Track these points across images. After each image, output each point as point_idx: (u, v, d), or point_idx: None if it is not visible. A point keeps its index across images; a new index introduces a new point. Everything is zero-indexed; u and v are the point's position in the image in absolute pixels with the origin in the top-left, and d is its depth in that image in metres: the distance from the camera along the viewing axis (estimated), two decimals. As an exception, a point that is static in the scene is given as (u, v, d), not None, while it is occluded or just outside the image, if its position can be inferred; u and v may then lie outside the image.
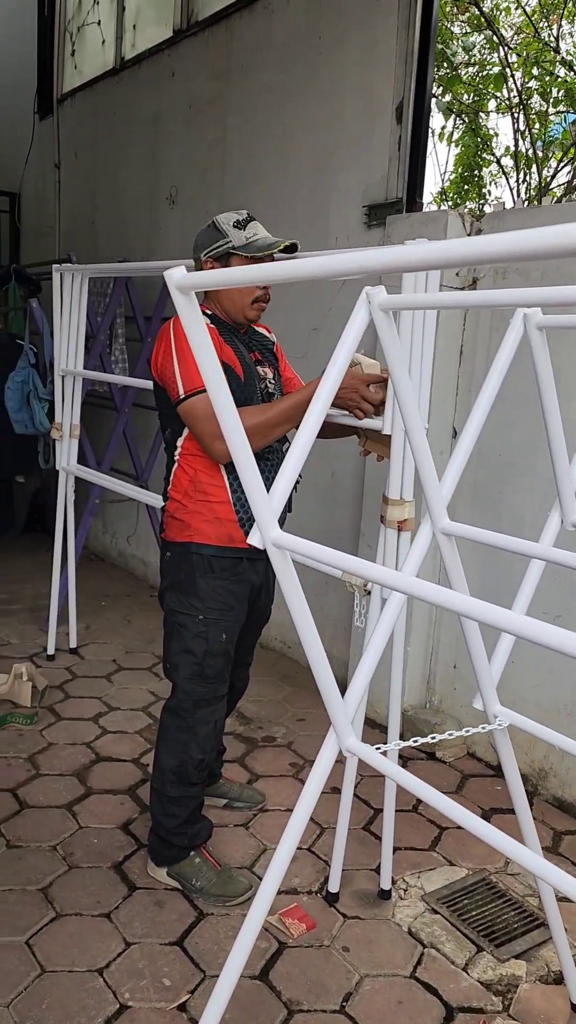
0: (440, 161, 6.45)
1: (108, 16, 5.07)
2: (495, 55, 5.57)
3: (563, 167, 5.56)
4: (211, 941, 2.00)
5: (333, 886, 2.17)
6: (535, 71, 5.24)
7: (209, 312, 2.05)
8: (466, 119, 5.91)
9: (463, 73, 5.79)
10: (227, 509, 2.00)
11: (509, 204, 5.46)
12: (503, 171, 5.92)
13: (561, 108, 5.37)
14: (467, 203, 6.18)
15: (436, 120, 5.67)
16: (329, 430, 1.94)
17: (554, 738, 1.53)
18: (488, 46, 5.64)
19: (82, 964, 1.89)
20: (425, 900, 2.19)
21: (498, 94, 5.53)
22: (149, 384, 3.23)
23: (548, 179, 5.53)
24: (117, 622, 4.14)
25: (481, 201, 6.21)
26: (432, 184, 6.34)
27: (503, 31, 5.58)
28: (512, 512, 2.75)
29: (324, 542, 1.18)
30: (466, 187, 6.12)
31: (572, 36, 5.53)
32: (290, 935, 2.02)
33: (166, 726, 2.14)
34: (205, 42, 4.08)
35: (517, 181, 5.64)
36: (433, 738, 1.51)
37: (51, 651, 3.63)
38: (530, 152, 5.45)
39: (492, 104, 5.83)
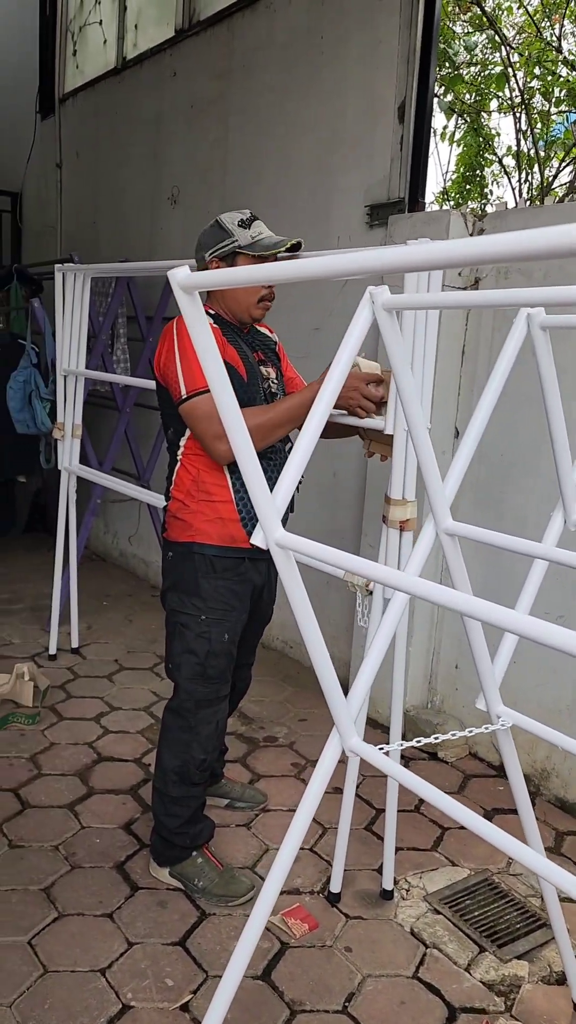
0: (442, 161, 6.45)
1: (110, 16, 5.07)
2: (497, 55, 5.57)
3: (565, 167, 5.56)
4: (213, 941, 2.00)
5: (335, 886, 2.17)
6: (537, 71, 5.24)
7: (212, 312, 2.04)
8: (468, 119, 5.91)
9: (465, 73, 5.79)
10: (230, 508, 2.00)
11: (511, 204, 5.45)
12: (505, 171, 5.92)
13: (563, 108, 5.36)
14: (469, 203, 6.18)
15: (438, 120, 5.67)
16: (331, 430, 1.94)
17: (557, 738, 1.53)
18: (490, 45, 5.63)
19: (84, 964, 1.89)
20: (427, 900, 2.19)
21: (500, 94, 5.52)
22: (151, 384, 3.24)
23: (550, 179, 5.53)
24: (119, 622, 4.14)
25: (483, 201, 6.20)
26: (434, 184, 6.35)
27: (505, 30, 5.57)
28: (514, 512, 2.75)
29: (326, 542, 1.18)
30: (468, 187, 6.12)
31: (574, 35, 5.53)
32: (292, 935, 2.02)
33: (168, 726, 2.14)
34: (207, 42, 4.08)
35: (519, 181, 5.64)
36: (436, 738, 1.51)
37: (53, 651, 3.64)
38: (532, 152, 5.45)
39: (494, 104, 5.82)
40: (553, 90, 5.27)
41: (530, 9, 5.38)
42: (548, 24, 5.47)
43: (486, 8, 5.44)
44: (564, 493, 1.55)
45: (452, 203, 6.26)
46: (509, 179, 5.87)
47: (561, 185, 5.58)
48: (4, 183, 6.35)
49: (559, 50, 5.37)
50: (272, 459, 2.04)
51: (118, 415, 4.24)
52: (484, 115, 5.93)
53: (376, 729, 3.09)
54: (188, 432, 2.01)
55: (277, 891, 1.39)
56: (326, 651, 1.30)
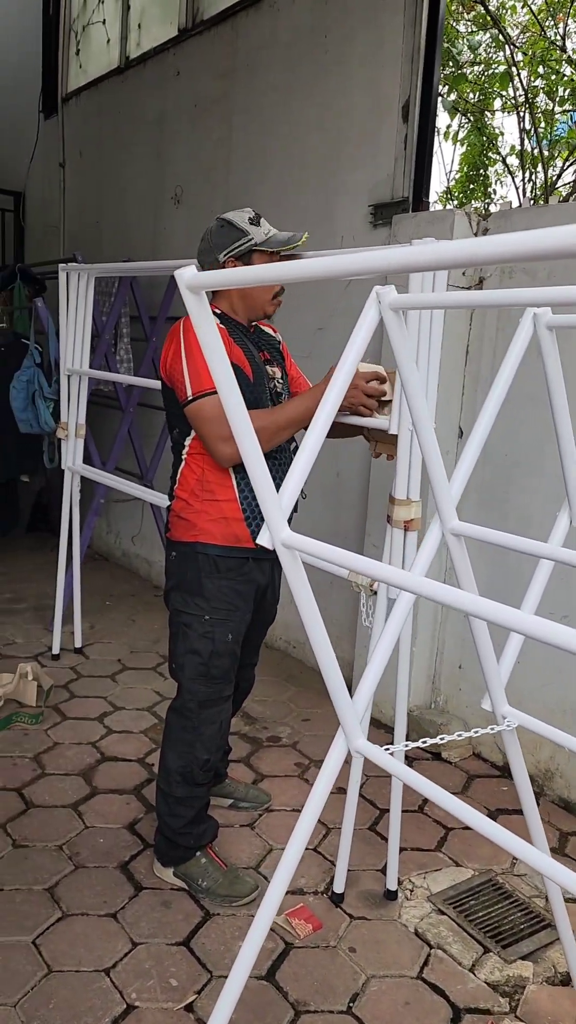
0: (445, 160, 6.45)
1: (113, 15, 5.07)
2: (501, 53, 5.56)
3: (569, 166, 5.55)
4: (218, 941, 2.00)
5: (339, 886, 2.17)
6: (541, 70, 5.23)
7: (219, 311, 2.04)
8: (471, 118, 5.90)
9: (469, 72, 5.78)
10: (234, 508, 1.99)
11: (515, 203, 5.45)
12: (508, 170, 5.91)
13: (567, 107, 5.35)
14: (472, 202, 6.17)
15: (442, 119, 5.66)
16: (336, 430, 1.94)
17: (563, 739, 1.53)
18: (494, 45, 5.63)
19: (89, 964, 1.89)
20: (431, 901, 2.18)
21: (504, 93, 5.52)
22: (154, 384, 3.25)
23: (554, 178, 5.52)
24: (122, 622, 4.14)
25: (487, 200, 6.20)
26: (437, 183, 6.34)
27: (509, 30, 5.56)
28: (518, 512, 2.75)
29: (330, 542, 1.18)
30: (471, 186, 6.11)
31: (578, 35, 5.52)
32: (296, 935, 2.02)
33: (171, 726, 2.14)
34: (210, 41, 4.08)
35: (523, 180, 5.63)
36: (442, 739, 1.50)
37: (56, 650, 3.64)
38: (536, 151, 5.44)
39: (498, 103, 5.82)
40: (557, 89, 5.27)
41: (534, 8, 5.37)
42: (552, 23, 5.47)
43: (490, 7, 5.43)
44: (570, 493, 1.55)
45: (456, 202, 6.25)
46: (513, 178, 5.87)
47: (565, 184, 5.57)
48: (7, 183, 6.35)
49: (563, 49, 5.37)
50: (277, 459, 2.04)
51: (121, 415, 4.24)
52: (488, 114, 5.93)
53: (379, 729, 3.08)
54: (193, 432, 2.01)
55: (283, 892, 1.38)
56: (332, 651, 1.30)
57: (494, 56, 5.65)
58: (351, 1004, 1.83)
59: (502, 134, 5.95)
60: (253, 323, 2.12)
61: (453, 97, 5.66)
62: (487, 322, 2.84)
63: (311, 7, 3.44)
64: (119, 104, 4.94)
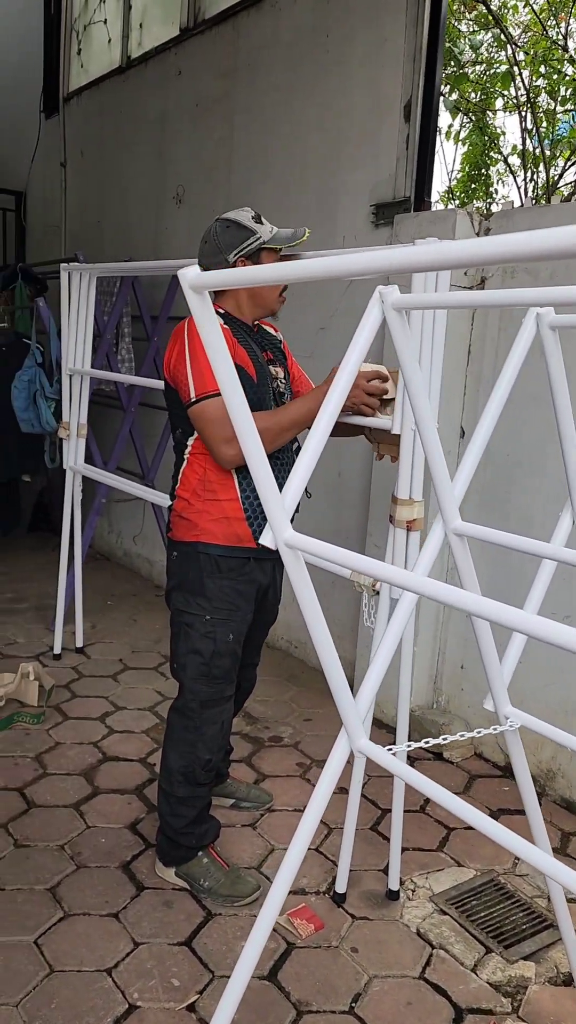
0: (447, 160, 6.44)
1: (114, 15, 5.07)
2: (503, 53, 5.55)
3: (571, 165, 5.54)
4: (220, 941, 2.00)
5: (341, 886, 2.16)
6: (543, 69, 5.23)
7: (222, 311, 2.04)
8: (473, 117, 5.90)
9: (470, 71, 5.78)
10: (236, 507, 1.99)
11: (517, 203, 5.44)
12: (510, 170, 5.91)
13: (569, 106, 5.35)
14: (474, 202, 6.17)
15: (443, 118, 5.65)
16: (338, 429, 1.94)
17: (565, 739, 1.53)
18: (496, 44, 5.62)
19: (91, 964, 1.89)
20: (433, 901, 2.18)
21: (505, 92, 5.51)
22: (155, 383, 3.25)
23: (555, 178, 5.52)
24: (123, 621, 4.14)
25: (488, 200, 6.19)
26: (439, 183, 6.33)
27: (511, 29, 5.56)
28: (520, 512, 2.75)
29: (331, 542, 1.18)
30: (473, 186, 6.11)
31: (580, 34, 5.51)
32: (298, 935, 2.02)
33: (173, 726, 2.13)
34: (212, 40, 4.07)
35: (524, 180, 5.63)
36: (445, 739, 1.50)
37: (57, 650, 3.64)
38: (537, 151, 5.44)
39: (499, 102, 5.81)
40: (559, 89, 5.26)
41: (536, 7, 5.36)
42: (554, 22, 5.46)
43: (492, 6, 5.43)
44: (572, 493, 1.54)
45: (457, 202, 6.25)
46: (514, 178, 5.86)
47: (567, 184, 5.57)
48: (8, 182, 6.35)
49: (565, 48, 5.36)
50: (279, 459, 2.03)
51: (123, 414, 4.24)
52: (489, 114, 5.92)
53: (380, 729, 3.08)
54: (197, 433, 2.00)
55: (285, 892, 1.38)
56: (335, 652, 1.30)
57: (496, 55, 5.65)
58: (353, 1004, 1.83)
59: (504, 134, 5.96)
60: (256, 322, 2.12)
61: (455, 97, 5.66)
62: (489, 322, 2.84)
63: (313, 7, 3.44)
64: (120, 103, 4.94)
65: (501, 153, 5.92)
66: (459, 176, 6.17)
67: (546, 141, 5.40)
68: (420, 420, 1.31)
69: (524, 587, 1.60)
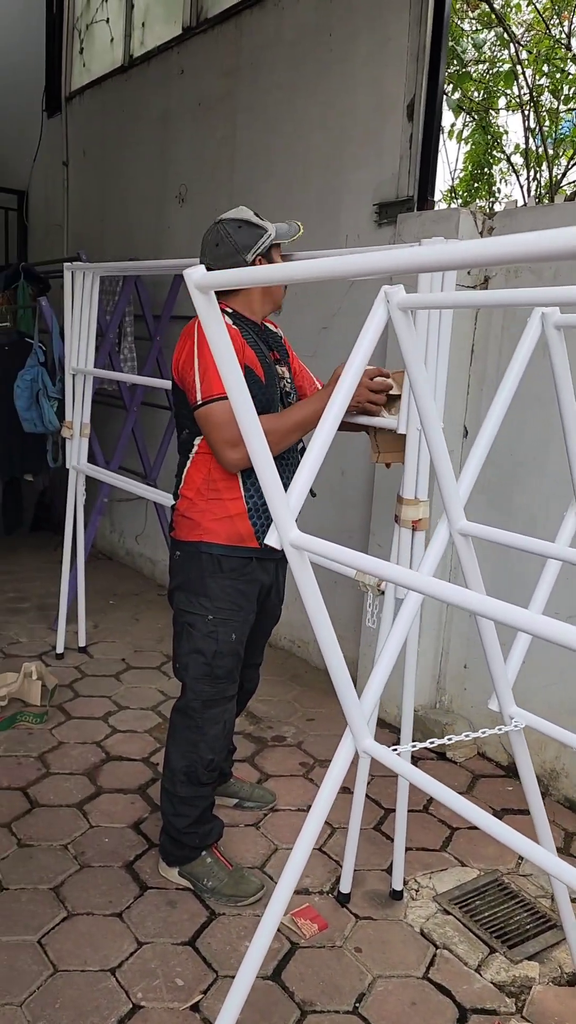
0: (450, 159, 6.44)
1: (117, 14, 5.06)
2: (505, 52, 5.54)
3: (574, 164, 5.53)
4: (223, 941, 2.00)
5: (345, 886, 2.16)
6: (546, 68, 5.22)
7: (230, 310, 2.04)
8: (476, 116, 5.89)
9: (473, 70, 5.77)
10: (239, 507, 1.99)
11: (520, 202, 5.44)
12: (513, 169, 5.90)
13: (572, 105, 5.34)
14: (477, 201, 6.16)
15: (446, 117, 5.64)
16: (343, 425, 1.94)
17: (570, 739, 1.52)
18: (499, 43, 5.61)
19: (94, 963, 1.89)
20: (437, 901, 2.18)
21: (508, 91, 5.51)
22: (158, 383, 3.25)
23: (559, 177, 5.51)
24: (126, 621, 4.14)
25: (491, 199, 6.18)
26: (441, 182, 6.32)
27: (514, 28, 5.55)
28: (523, 511, 2.74)
29: (334, 541, 1.18)
30: (476, 185, 6.10)
31: (582, 33, 5.50)
32: (302, 935, 2.02)
33: (176, 726, 2.13)
34: (214, 39, 4.07)
35: (527, 179, 5.62)
36: (450, 739, 1.50)
37: (60, 650, 3.64)
38: (540, 150, 5.43)
39: (502, 101, 5.80)
40: (562, 88, 5.25)
41: (539, 6, 5.35)
42: (557, 21, 5.45)
43: (495, 5, 5.42)
44: (578, 493, 1.54)
45: (460, 201, 6.24)
46: (517, 177, 5.85)
47: (570, 183, 5.56)
48: (10, 181, 6.34)
49: (568, 47, 5.35)
50: (284, 459, 2.03)
51: (125, 414, 4.24)
52: (492, 113, 5.91)
53: (383, 728, 3.08)
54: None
55: (290, 892, 1.38)
56: (339, 652, 1.30)
57: (499, 54, 5.64)
58: (357, 1004, 1.83)
59: (506, 133, 5.95)
60: (263, 320, 2.13)
61: (457, 95, 5.65)
62: (492, 321, 2.83)
63: (315, 6, 3.44)
64: (123, 103, 4.94)
65: (504, 152, 5.91)
66: (462, 175, 6.16)
67: (549, 140, 5.39)
68: (425, 420, 1.31)
69: (526, 587, 1.60)
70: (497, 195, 6.19)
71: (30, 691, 3.10)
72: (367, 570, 1.14)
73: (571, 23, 5.44)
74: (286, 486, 1.24)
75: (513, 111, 5.74)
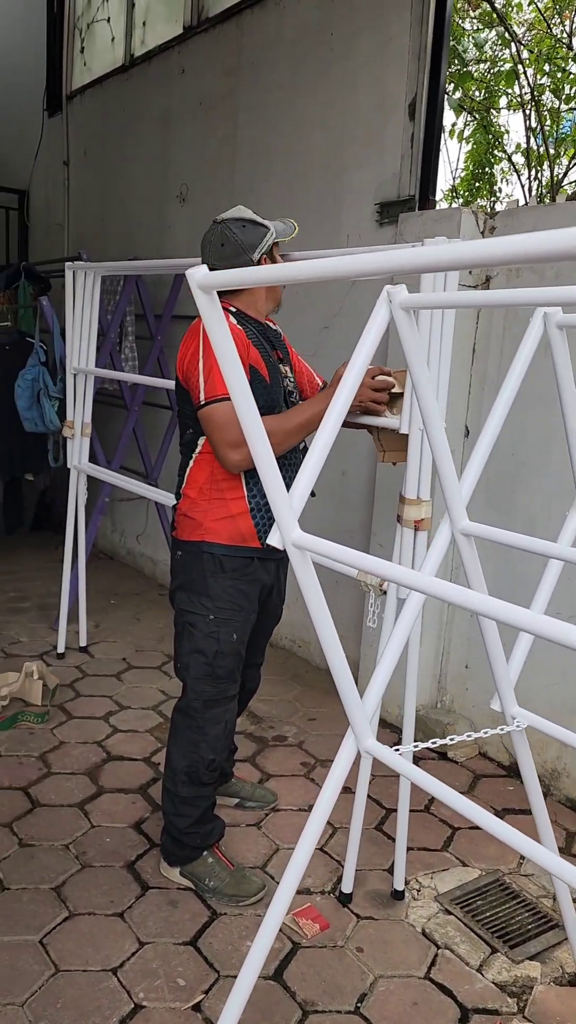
0: (451, 158, 6.43)
1: (118, 13, 5.06)
2: (507, 51, 5.54)
3: (575, 164, 5.53)
4: (225, 941, 1.99)
5: (346, 886, 2.16)
6: (547, 67, 5.21)
7: (234, 309, 2.03)
8: (477, 116, 5.89)
9: (474, 69, 5.77)
10: (241, 506, 1.99)
11: (522, 202, 5.43)
12: (514, 168, 5.89)
13: (573, 105, 5.33)
14: (478, 200, 6.15)
15: (447, 117, 5.65)
16: (345, 423, 1.94)
17: (572, 739, 1.52)
18: (500, 42, 5.61)
19: (96, 963, 1.89)
20: (439, 901, 2.18)
21: (510, 91, 5.50)
22: (159, 382, 3.25)
23: (560, 176, 5.50)
24: (126, 620, 4.14)
25: (492, 199, 6.18)
26: (442, 181, 6.31)
27: (515, 27, 5.54)
28: (524, 511, 2.74)
29: (335, 541, 1.18)
30: (477, 184, 6.10)
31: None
32: (304, 935, 2.02)
33: (177, 726, 2.13)
34: (215, 39, 4.07)
35: (528, 178, 5.61)
36: (452, 739, 1.50)
37: (61, 649, 3.64)
38: (541, 149, 5.42)
39: (504, 101, 5.80)
40: (563, 87, 5.24)
41: (540, 6, 5.35)
42: (559, 20, 5.45)
43: (496, 4, 5.41)
44: (580, 493, 1.54)
45: (461, 200, 6.24)
46: (519, 176, 5.85)
47: (571, 183, 5.55)
48: (11, 181, 6.34)
49: (570, 47, 5.35)
50: (287, 459, 2.03)
51: (126, 413, 4.24)
52: (493, 112, 5.91)
53: (384, 728, 3.08)
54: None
55: (292, 892, 1.38)
56: (342, 652, 1.30)
57: (500, 54, 5.64)
58: (359, 1004, 1.83)
59: (508, 132, 5.94)
60: (266, 319, 2.13)
61: (458, 95, 5.65)
62: (494, 321, 2.83)
63: (317, 5, 3.44)
64: (124, 102, 4.94)
65: (505, 151, 5.91)
66: (463, 175, 6.16)
67: (550, 139, 5.39)
68: (427, 420, 1.31)
69: (528, 587, 1.59)
70: (498, 195, 6.19)
71: (31, 691, 3.10)
72: (370, 570, 1.14)
73: (572, 22, 5.44)
74: (289, 486, 1.24)
75: (514, 110, 5.74)
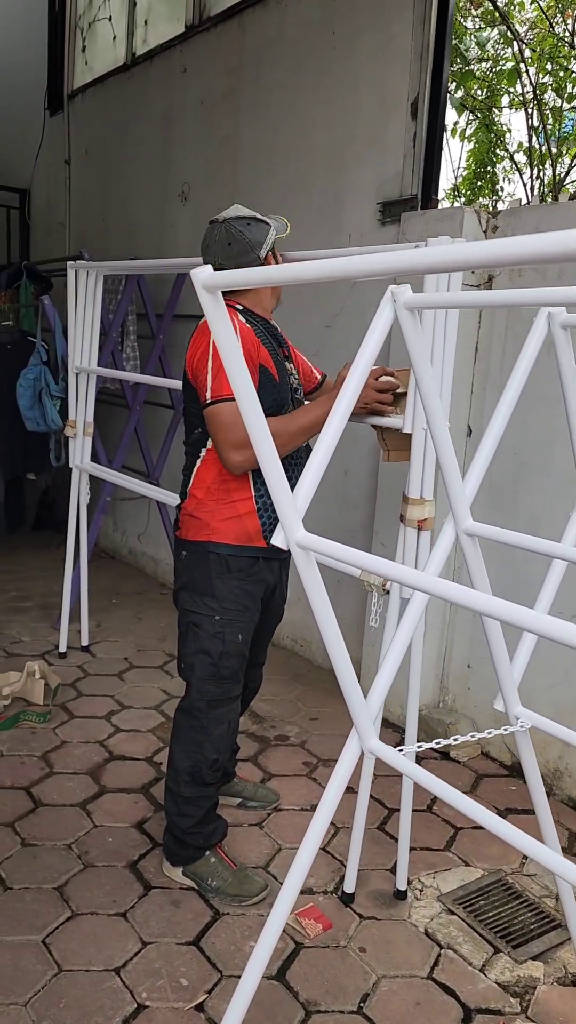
0: (453, 157, 6.43)
1: (119, 12, 5.06)
2: (509, 50, 5.54)
3: (576, 163, 5.53)
4: (227, 941, 1.99)
5: (349, 886, 2.16)
6: (549, 66, 5.21)
7: (240, 307, 2.03)
8: (479, 115, 5.88)
9: (476, 68, 5.77)
10: (249, 506, 1.99)
11: (524, 201, 5.43)
12: (516, 167, 5.89)
13: (575, 103, 5.33)
14: (480, 199, 6.15)
15: (449, 116, 5.64)
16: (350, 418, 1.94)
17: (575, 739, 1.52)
18: (502, 41, 5.61)
19: (99, 963, 1.89)
20: (441, 901, 2.18)
21: (512, 89, 5.50)
22: (161, 381, 3.25)
23: (562, 175, 5.50)
24: (128, 620, 4.14)
25: (494, 198, 6.18)
26: (444, 180, 6.30)
27: (517, 26, 5.54)
28: (527, 511, 2.74)
29: (337, 541, 1.18)
30: (479, 183, 6.09)
31: (586, 31, 5.49)
32: (306, 935, 2.02)
33: (180, 726, 2.13)
34: (217, 37, 4.07)
35: (531, 177, 5.61)
36: (456, 739, 1.50)
37: (63, 649, 3.63)
38: (544, 148, 5.42)
39: (506, 99, 5.80)
40: (565, 86, 5.24)
41: (542, 4, 5.34)
42: (561, 19, 5.44)
43: (498, 3, 5.41)
44: (584, 493, 1.54)
45: (463, 200, 6.23)
46: (521, 175, 5.84)
47: (573, 181, 5.55)
48: (12, 180, 6.33)
49: (572, 45, 5.34)
50: (291, 459, 2.02)
51: (127, 413, 4.24)
52: (495, 111, 5.91)
53: (386, 728, 3.08)
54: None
55: (296, 892, 1.38)
56: (346, 652, 1.29)
57: (502, 52, 5.64)
58: (362, 1004, 1.83)
59: (510, 131, 5.94)
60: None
61: (460, 94, 5.65)
62: (496, 320, 2.83)
63: (319, 3, 3.43)
64: (125, 101, 4.93)
65: (507, 150, 5.91)
66: (465, 173, 6.16)
67: (552, 138, 5.38)
68: (432, 420, 1.31)
69: (531, 587, 1.59)
70: (500, 193, 6.19)
71: (33, 690, 3.10)
72: (374, 571, 1.14)
73: (574, 21, 5.43)
74: (293, 486, 1.24)
75: (516, 109, 5.73)
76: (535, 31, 5.54)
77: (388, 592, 1.98)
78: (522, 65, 5.24)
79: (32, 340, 4.25)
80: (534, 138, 5.39)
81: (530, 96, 5.29)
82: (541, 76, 5.30)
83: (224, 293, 1.03)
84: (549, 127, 5.33)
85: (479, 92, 5.86)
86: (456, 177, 6.24)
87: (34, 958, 1.90)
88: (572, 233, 0.69)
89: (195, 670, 2.06)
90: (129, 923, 2.03)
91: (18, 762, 2.73)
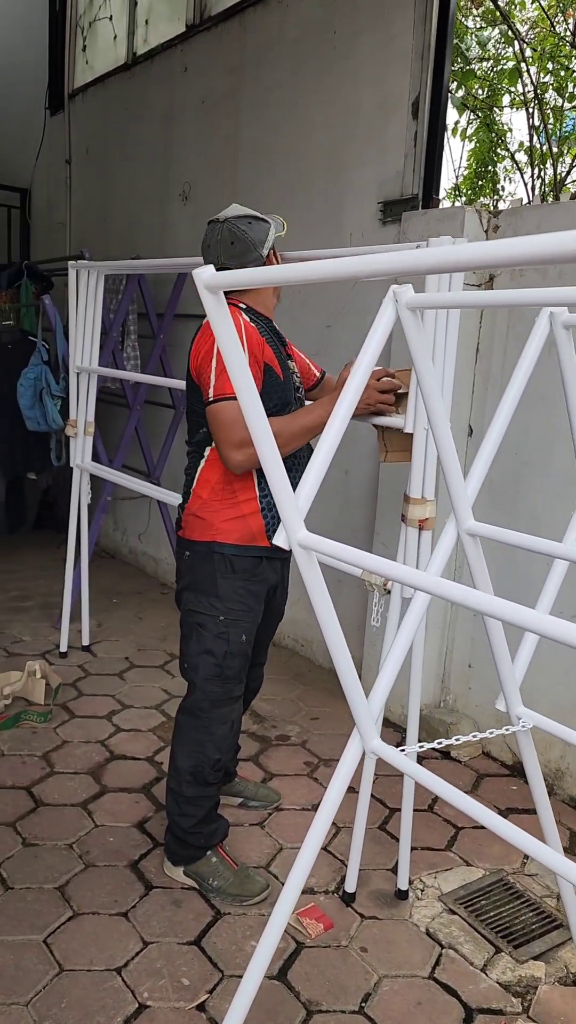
0: (454, 157, 6.43)
1: (120, 11, 5.06)
2: (510, 49, 5.53)
3: (577, 163, 5.53)
4: (229, 941, 1.99)
5: (350, 886, 2.16)
6: (550, 66, 5.21)
7: (244, 306, 2.03)
8: (480, 114, 5.88)
9: (477, 67, 5.76)
10: (253, 506, 1.98)
11: (524, 200, 5.43)
12: (517, 167, 5.89)
13: (576, 103, 5.34)
14: (481, 198, 6.15)
15: (450, 115, 5.64)
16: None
17: (577, 740, 1.52)
18: (503, 40, 5.61)
19: (100, 963, 1.89)
20: (442, 900, 2.18)
21: (512, 89, 5.50)
22: (161, 381, 3.25)
23: (563, 174, 5.50)
24: (129, 619, 4.14)
25: (495, 197, 6.17)
26: (445, 180, 6.30)
27: (518, 25, 5.54)
28: (528, 511, 2.74)
29: (338, 540, 1.18)
30: (480, 183, 6.09)
31: (587, 30, 5.48)
32: (308, 935, 2.02)
33: (182, 726, 2.13)
34: (218, 37, 4.06)
35: (531, 177, 5.61)
36: (457, 739, 1.50)
37: (64, 648, 3.63)
38: (545, 147, 5.42)
39: (507, 99, 5.79)
40: (566, 85, 5.24)
41: (543, 3, 5.34)
42: (562, 19, 5.44)
43: (499, 2, 5.41)
44: (586, 493, 1.54)
45: (464, 199, 6.23)
46: (522, 175, 5.84)
47: (574, 181, 5.55)
48: (13, 179, 6.33)
49: (573, 45, 5.34)
50: (295, 458, 2.02)
51: (128, 412, 4.23)
52: (496, 110, 5.91)
53: (387, 727, 3.08)
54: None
55: (298, 892, 1.38)
56: (348, 652, 1.30)
57: (503, 52, 5.64)
58: (363, 1004, 1.83)
59: (511, 130, 5.94)
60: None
61: (461, 93, 5.64)
62: (497, 320, 2.83)
63: (320, 3, 3.43)
64: (126, 100, 4.93)
65: (508, 150, 5.90)
66: (466, 173, 6.16)
67: (553, 137, 5.38)
68: (433, 420, 1.31)
69: (530, 587, 1.59)
70: (501, 193, 6.19)
71: (34, 690, 3.10)
72: (376, 571, 1.14)
73: (575, 20, 5.43)
74: (295, 486, 1.24)
75: (517, 108, 5.73)
76: (536, 30, 5.53)
77: (389, 592, 1.98)
78: (523, 64, 5.23)
79: (33, 340, 4.25)
80: (535, 137, 5.39)
81: (531, 95, 5.29)
82: (542, 75, 5.30)
83: (227, 292, 1.03)
84: (550, 126, 5.33)
85: (480, 91, 5.86)
86: (457, 177, 6.24)
87: (35, 958, 1.90)
88: (573, 234, 0.69)
89: (199, 670, 2.06)
90: (130, 923, 2.03)
91: (19, 762, 2.73)
